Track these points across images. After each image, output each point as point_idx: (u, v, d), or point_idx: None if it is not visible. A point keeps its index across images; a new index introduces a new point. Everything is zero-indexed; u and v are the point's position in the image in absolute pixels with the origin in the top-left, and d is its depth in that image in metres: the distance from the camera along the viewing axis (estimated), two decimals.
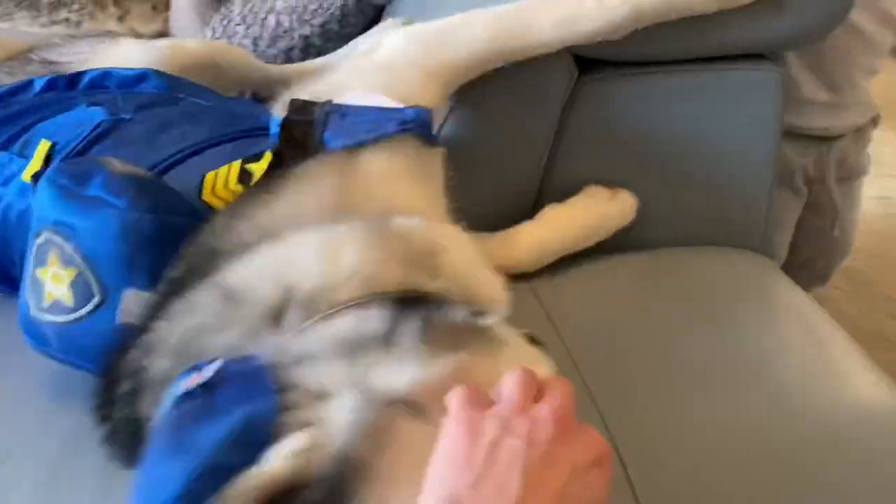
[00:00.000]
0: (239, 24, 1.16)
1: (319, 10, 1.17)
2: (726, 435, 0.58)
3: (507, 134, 0.83)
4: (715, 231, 0.92)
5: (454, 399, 0.41)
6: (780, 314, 0.77)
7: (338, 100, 0.66)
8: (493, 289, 0.58)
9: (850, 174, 1.17)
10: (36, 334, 0.60)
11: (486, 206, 0.82)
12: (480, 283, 0.56)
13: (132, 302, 0.55)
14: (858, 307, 1.45)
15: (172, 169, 0.65)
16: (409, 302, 0.49)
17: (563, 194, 0.85)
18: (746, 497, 0.53)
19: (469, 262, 0.57)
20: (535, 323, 0.72)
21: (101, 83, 0.80)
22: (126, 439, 0.52)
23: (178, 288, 0.53)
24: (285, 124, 0.63)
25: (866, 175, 1.20)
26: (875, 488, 0.54)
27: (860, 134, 1.15)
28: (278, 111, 0.68)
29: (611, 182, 0.85)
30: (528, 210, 0.85)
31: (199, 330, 0.51)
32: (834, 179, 1.15)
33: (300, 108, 0.65)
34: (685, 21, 0.77)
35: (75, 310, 0.56)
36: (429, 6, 1.02)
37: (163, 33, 1.27)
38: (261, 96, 0.95)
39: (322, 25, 1.16)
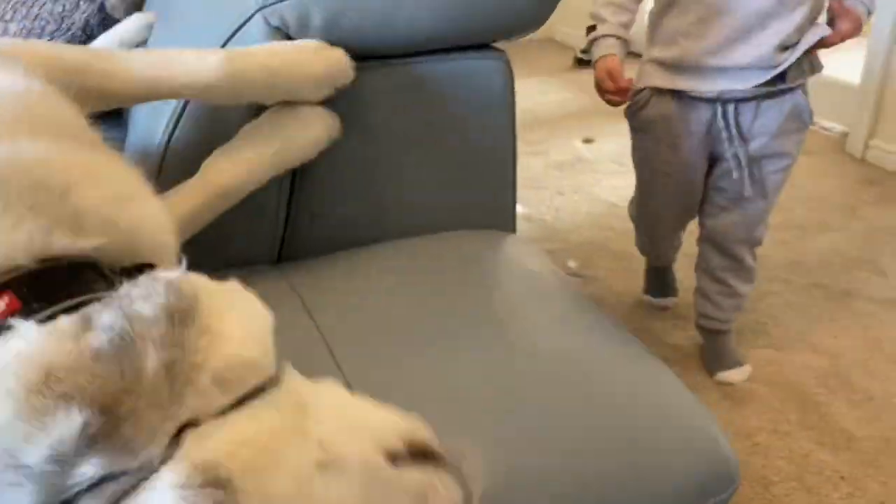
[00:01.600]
0: None
1: (59, 31, 1.12)
2: (458, 383, 0.62)
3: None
4: (466, 215, 0.97)
5: None
6: (516, 282, 0.83)
7: None
8: (159, 227, 0.48)
9: None
10: None
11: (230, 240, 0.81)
12: (138, 223, 0.45)
13: None
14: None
15: None
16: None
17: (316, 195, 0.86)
18: (478, 425, 0.57)
19: (117, 196, 0.45)
20: (290, 310, 0.73)
21: None
22: None
23: None
24: None
25: None
26: (579, 405, 0.61)
27: None
28: None
29: (363, 172, 0.87)
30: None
31: None
32: None
33: None
34: (406, 17, 0.82)
35: None
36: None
37: None
38: None
39: None
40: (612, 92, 1.17)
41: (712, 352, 1.36)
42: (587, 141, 2.36)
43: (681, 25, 1.13)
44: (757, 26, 1.09)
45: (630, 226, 1.46)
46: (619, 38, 1.17)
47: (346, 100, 0.79)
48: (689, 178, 1.24)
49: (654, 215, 1.36)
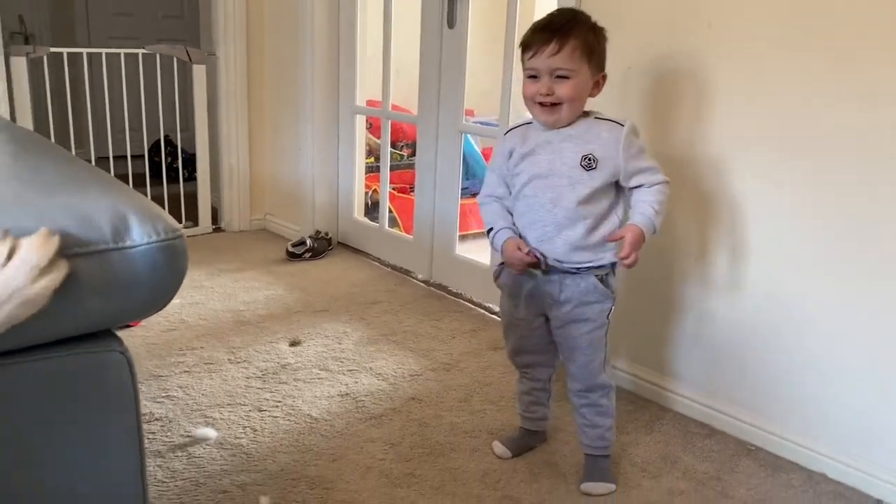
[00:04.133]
0: None
1: None
2: None
3: None
4: None
5: None
6: None
7: None
8: None
9: None
10: None
11: None
12: None
13: None
14: None
15: None
16: None
17: None
18: None
19: None
20: None
21: None
22: None
23: None
24: None
25: None
26: None
27: None
28: None
29: None
30: None
31: None
32: None
33: None
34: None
35: None
36: None
37: None
38: None
39: None
40: (522, 260, 1.54)
41: (585, 469, 1.67)
42: (294, 343, 2.32)
43: (519, 224, 1.59)
44: (554, 233, 1.52)
45: (329, 444, 1.61)
46: (510, 228, 1.59)
47: None
48: (529, 327, 1.65)
49: (514, 352, 1.72)
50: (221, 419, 1.86)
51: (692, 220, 1.90)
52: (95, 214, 0.79)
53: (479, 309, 2.70)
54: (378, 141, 3.43)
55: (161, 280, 0.84)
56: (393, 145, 3.59)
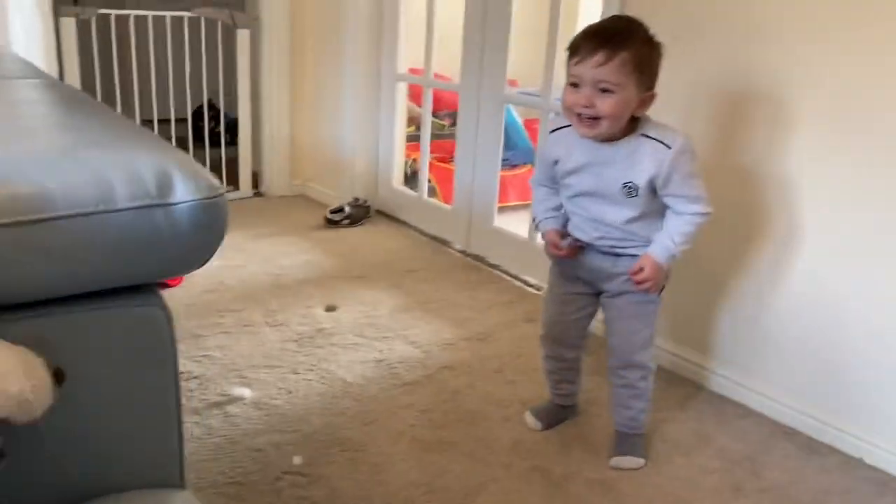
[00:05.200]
0: None
1: None
2: None
3: None
4: (136, 472, 0.87)
5: None
6: None
7: None
8: None
9: None
10: None
11: None
12: None
13: None
14: None
15: None
16: None
17: None
18: None
19: None
20: None
21: None
22: None
23: None
24: None
25: None
26: None
27: None
28: None
29: None
30: None
31: None
32: None
33: None
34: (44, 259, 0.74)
35: None
36: None
37: None
38: None
39: None
40: (558, 254, 1.58)
41: (616, 443, 1.66)
42: (330, 309, 2.34)
43: (570, 220, 1.59)
44: (605, 234, 1.52)
45: (362, 408, 1.64)
46: (553, 217, 1.60)
47: None
48: (573, 303, 1.64)
49: (548, 324, 1.70)
50: (257, 380, 1.89)
51: (741, 201, 1.86)
52: (142, 170, 0.80)
53: (516, 281, 2.69)
54: (419, 109, 3.41)
55: (202, 238, 0.85)
56: (434, 114, 3.57)
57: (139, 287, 0.85)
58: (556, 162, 1.54)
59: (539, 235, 1.66)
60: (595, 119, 1.40)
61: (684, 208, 1.45)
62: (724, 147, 1.87)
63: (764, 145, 1.79)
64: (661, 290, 1.57)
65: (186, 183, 0.82)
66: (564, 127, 1.52)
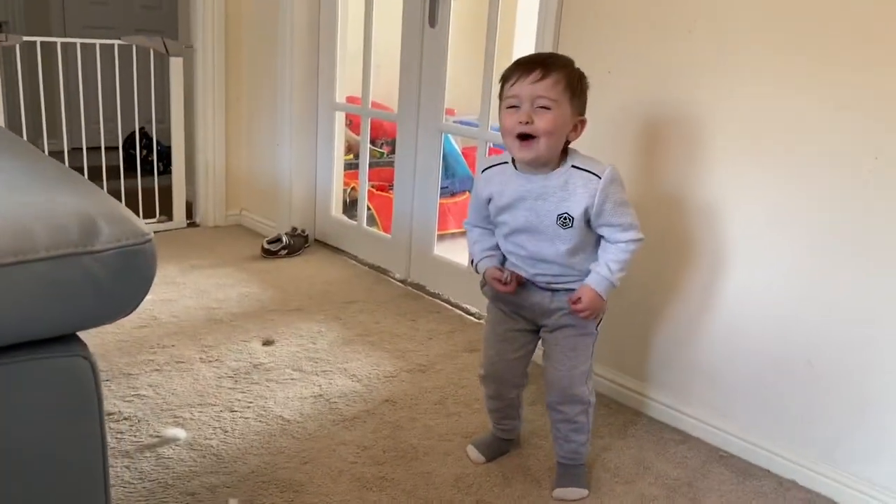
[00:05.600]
0: None
1: None
2: None
3: None
4: None
5: None
6: None
7: None
8: None
9: None
10: None
11: None
12: None
13: None
14: None
15: None
16: None
17: None
18: None
19: None
20: None
21: None
22: None
23: None
24: None
25: None
26: None
27: None
28: None
29: None
30: None
31: None
32: None
33: None
34: None
35: None
36: None
37: None
38: None
39: None
40: (503, 289, 1.56)
41: (558, 475, 1.67)
42: (267, 343, 2.29)
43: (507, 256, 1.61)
44: (542, 269, 1.54)
45: (301, 446, 1.59)
46: (490, 256, 1.61)
47: None
48: (512, 340, 1.64)
49: (488, 363, 1.68)
50: (192, 419, 1.83)
51: (670, 228, 1.90)
52: (63, 217, 0.76)
53: (456, 310, 2.69)
54: (357, 137, 3.40)
55: (128, 285, 0.82)
56: (372, 142, 3.57)
57: (61, 336, 0.81)
58: (489, 200, 1.55)
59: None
60: (534, 138, 1.42)
61: (618, 237, 1.48)
62: (651, 176, 1.91)
63: (687, 174, 1.84)
64: (599, 323, 1.58)
65: (111, 228, 0.79)
66: (497, 165, 1.56)
